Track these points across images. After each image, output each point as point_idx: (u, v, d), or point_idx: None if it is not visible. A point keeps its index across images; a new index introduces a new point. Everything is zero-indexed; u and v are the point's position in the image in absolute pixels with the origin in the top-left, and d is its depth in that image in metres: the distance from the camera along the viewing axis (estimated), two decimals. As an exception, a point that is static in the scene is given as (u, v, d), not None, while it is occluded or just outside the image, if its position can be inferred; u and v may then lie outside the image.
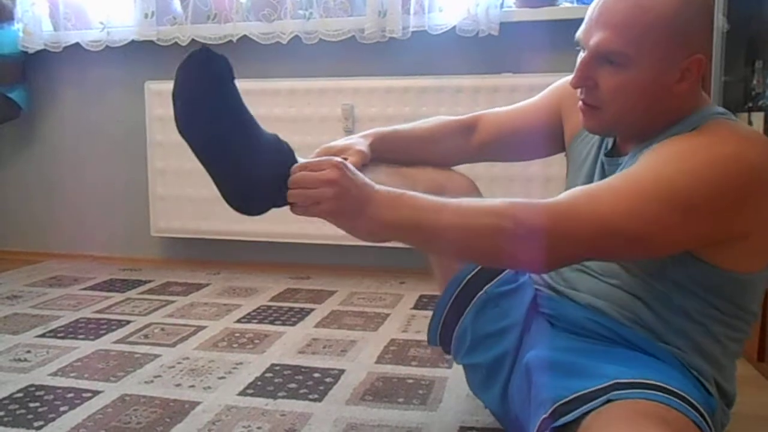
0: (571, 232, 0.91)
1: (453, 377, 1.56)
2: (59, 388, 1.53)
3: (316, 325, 1.98)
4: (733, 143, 0.93)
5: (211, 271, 2.64)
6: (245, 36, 2.53)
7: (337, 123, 2.48)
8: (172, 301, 2.23)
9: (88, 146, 2.85)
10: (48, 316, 2.07)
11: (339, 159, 0.98)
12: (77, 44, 2.69)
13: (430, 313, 1.30)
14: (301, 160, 1.04)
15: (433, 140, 1.30)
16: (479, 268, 1.22)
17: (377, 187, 0.97)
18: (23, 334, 1.91)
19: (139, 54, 2.67)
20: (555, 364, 1.01)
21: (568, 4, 2.36)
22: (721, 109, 1.02)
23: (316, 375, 1.60)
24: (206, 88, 0.96)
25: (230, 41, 2.54)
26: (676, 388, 0.92)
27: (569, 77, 1.05)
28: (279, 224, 2.43)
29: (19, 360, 1.71)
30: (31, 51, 2.73)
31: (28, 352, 1.77)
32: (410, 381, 1.56)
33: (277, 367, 1.65)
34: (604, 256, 1.01)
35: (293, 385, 1.54)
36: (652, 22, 0.95)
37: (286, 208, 1.00)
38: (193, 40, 2.56)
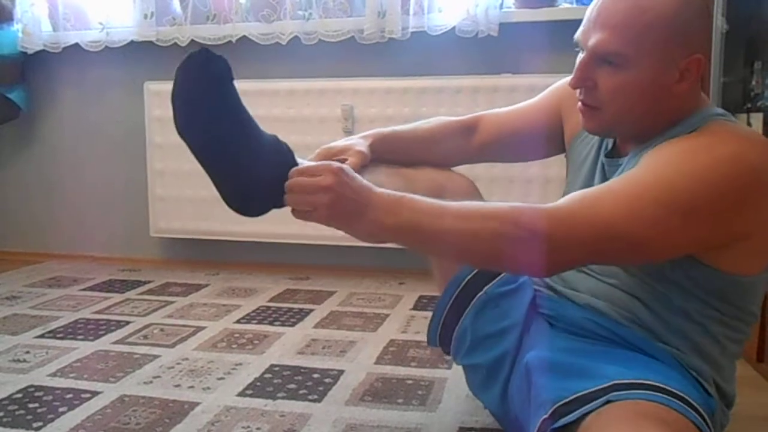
0: (571, 237, 0.91)
1: (452, 378, 1.56)
2: (58, 388, 1.53)
3: (316, 326, 1.98)
4: (733, 144, 0.93)
5: (211, 271, 2.64)
6: (244, 36, 2.53)
7: (336, 123, 2.48)
8: (172, 302, 2.23)
9: (88, 147, 2.85)
10: (47, 317, 2.07)
11: (337, 164, 0.98)
12: (76, 45, 2.69)
13: (429, 313, 1.30)
14: (300, 160, 1.04)
15: (434, 141, 1.30)
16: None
17: (377, 190, 0.97)
18: (22, 335, 1.91)
19: (138, 54, 2.67)
20: (555, 364, 1.01)
21: (567, 5, 2.36)
22: (721, 111, 1.02)
23: (316, 375, 1.60)
24: (205, 88, 0.96)
25: (229, 42, 2.54)
26: (675, 389, 0.92)
27: (569, 78, 1.05)
28: (278, 225, 2.42)
29: (19, 361, 1.71)
30: (30, 51, 2.73)
31: (27, 352, 1.77)
32: (409, 382, 1.56)
33: (277, 368, 1.65)
34: (604, 261, 1.00)
35: (292, 386, 1.54)
36: (651, 23, 0.95)
37: (286, 208, 1.00)
38: (192, 40, 2.56)
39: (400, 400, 1.46)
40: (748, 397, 1.29)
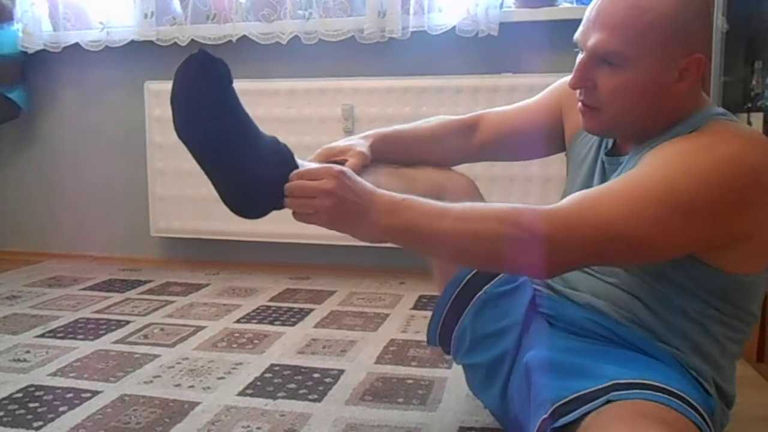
0: (571, 238, 0.91)
1: (452, 377, 1.56)
2: (59, 388, 1.53)
3: (316, 326, 1.98)
4: (734, 144, 0.93)
5: (211, 271, 2.64)
6: (245, 36, 2.53)
7: (336, 123, 2.48)
8: (172, 302, 2.23)
9: (88, 146, 2.85)
10: (47, 317, 2.07)
11: (338, 167, 0.98)
12: (77, 44, 2.69)
13: (429, 313, 1.30)
14: (300, 162, 1.04)
15: (434, 140, 1.30)
16: (478, 268, 1.22)
17: (377, 192, 0.97)
18: (23, 335, 1.91)
19: (138, 54, 2.67)
20: (554, 364, 1.01)
21: (567, 5, 2.36)
22: (721, 110, 1.02)
23: (316, 375, 1.60)
24: (205, 89, 0.96)
25: (230, 41, 2.54)
26: (675, 389, 0.92)
27: (569, 76, 1.05)
28: (278, 224, 2.41)
29: (19, 360, 1.71)
30: (30, 51, 2.73)
31: (28, 352, 1.77)
32: (410, 381, 1.56)
33: (277, 368, 1.65)
34: (605, 261, 1.00)
35: (293, 386, 1.54)
36: (651, 22, 0.95)
37: (286, 209, 1.00)
38: (192, 40, 2.56)
39: (400, 400, 1.46)
40: (748, 397, 1.29)
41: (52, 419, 1.38)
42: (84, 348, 1.79)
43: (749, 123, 1.76)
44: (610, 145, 1.12)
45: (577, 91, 1.04)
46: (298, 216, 0.98)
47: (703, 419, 0.91)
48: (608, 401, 0.89)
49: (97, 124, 2.82)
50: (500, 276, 1.21)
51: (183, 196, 2.62)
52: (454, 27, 2.36)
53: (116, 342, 1.85)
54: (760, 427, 1.38)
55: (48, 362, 1.69)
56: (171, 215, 2.67)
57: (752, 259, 0.98)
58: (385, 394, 1.49)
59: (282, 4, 2.50)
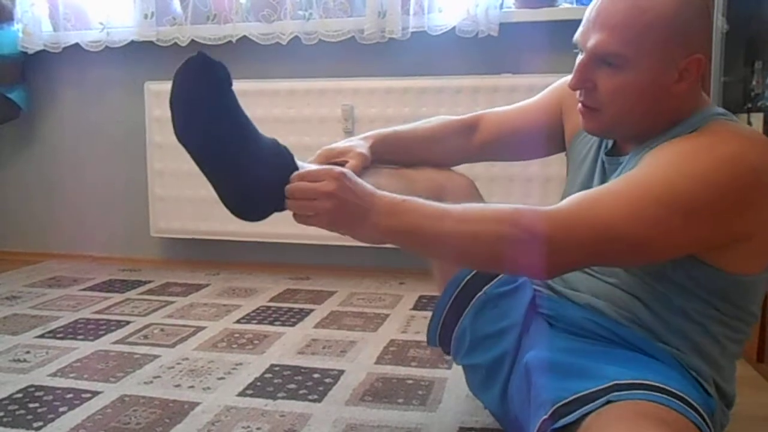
0: (571, 239, 0.91)
1: (452, 378, 1.56)
2: (58, 388, 1.53)
3: (316, 326, 1.98)
4: (734, 144, 0.93)
5: (211, 271, 2.64)
6: (245, 36, 2.53)
7: (336, 124, 2.48)
8: (172, 302, 2.23)
9: (88, 147, 2.85)
10: (47, 317, 2.07)
11: (339, 169, 0.98)
12: (77, 45, 2.69)
13: (429, 313, 1.30)
14: (300, 164, 1.04)
15: (435, 140, 1.30)
16: (478, 269, 1.22)
17: (378, 194, 0.97)
18: (23, 335, 1.91)
19: (138, 54, 2.67)
20: (554, 364, 1.01)
21: (567, 5, 2.36)
22: (721, 110, 1.02)
23: (316, 375, 1.60)
24: (204, 92, 0.96)
25: (230, 42, 2.54)
26: (675, 389, 0.92)
27: (569, 76, 1.05)
28: (278, 225, 2.42)
29: (19, 360, 1.71)
30: (30, 51, 2.73)
31: (28, 352, 1.77)
32: (410, 382, 1.56)
33: (277, 368, 1.65)
34: (605, 262, 1.00)
35: (293, 386, 1.54)
36: (651, 23, 0.95)
37: (287, 211, 1.00)
38: (192, 40, 2.56)
39: (400, 400, 1.46)
40: (748, 397, 1.29)
41: (52, 419, 1.38)
42: (84, 348, 1.79)
43: (749, 123, 1.76)
44: (610, 145, 1.12)
45: (577, 92, 1.04)
46: (299, 218, 0.98)
47: (703, 419, 0.91)
48: (608, 401, 0.89)
49: (97, 125, 2.82)
50: (500, 276, 1.21)
51: (183, 196, 2.62)
52: (454, 27, 2.36)
53: (116, 342, 1.84)
54: (760, 427, 1.38)
55: (48, 363, 1.69)
56: (171, 215, 2.67)
57: (752, 259, 0.98)
58: (385, 395, 1.49)
59: (282, 5, 2.50)
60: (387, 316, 2.07)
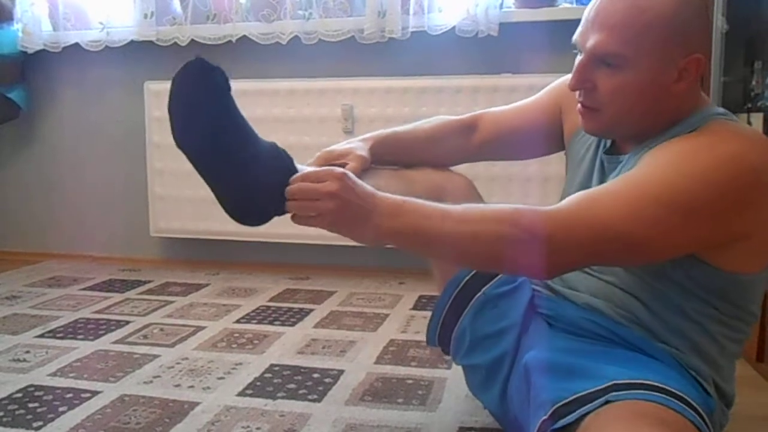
0: (570, 239, 0.91)
1: (452, 378, 1.56)
2: (58, 388, 1.53)
3: (316, 326, 1.98)
4: (734, 144, 0.93)
5: (211, 271, 2.64)
6: (245, 36, 2.53)
7: (336, 123, 2.48)
8: (172, 302, 2.23)
9: (88, 146, 2.85)
10: (47, 317, 2.07)
11: (340, 169, 0.98)
12: (77, 44, 2.69)
13: (429, 313, 1.30)
14: (299, 166, 1.04)
15: (434, 140, 1.30)
16: (478, 269, 1.22)
17: (379, 195, 0.97)
18: (22, 335, 1.91)
19: (138, 54, 2.67)
20: (554, 365, 1.01)
21: (567, 5, 2.36)
22: (721, 110, 1.02)
23: (316, 375, 1.60)
24: (203, 96, 0.96)
25: (230, 41, 2.54)
26: (674, 389, 0.92)
27: (568, 76, 1.05)
28: (278, 225, 2.42)
29: (19, 360, 1.71)
30: (30, 51, 2.73)
31: (27, 352, 1.77)
32: (409, 381, 1.56)
33: (277, 368, 1.65)
34: (605, 261, 1.00)
35: (292, 386, 1.54)
36: (650, 23, 0.95)
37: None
38: (192, 40, 2.56)
39: (400, 400, 1.46)
40: (748, 397, 1.29)
41: (52, 419, 1.38)
42: (84, 348, 1.79)
43: (749, 123, 1.76)
44: (609, 144, 1.12)
45: (577, 93, 1.04)
46: (300, 219, 0.98)
47: (702, 419, 0.91)
48: (607, 401, 0.89)
49: (96, 124, 2.82)
50: (499, 277, 1.21)
51: (183, 196, 2.62)
52: (453, 27, 2.36)
53: (116, 342, 1.85)
54: (759, 427, 1.38)
55: (48, 362, 1.69)
56: (171, 215, 2.67)
57: (752, 258, 0.98)
58: (384, 395, 1.49)
59: (282, 5, 2.50)
60: (387, 315, 2.07)
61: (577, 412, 0.90)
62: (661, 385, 0.91)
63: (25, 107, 2.82)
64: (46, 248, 2.92)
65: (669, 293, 1.00)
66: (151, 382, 1.57)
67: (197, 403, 1.45)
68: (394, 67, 2.47)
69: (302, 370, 1.64)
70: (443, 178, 1.27)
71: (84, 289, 2.42)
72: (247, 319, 2.05)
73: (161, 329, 1.95)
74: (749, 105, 1.79)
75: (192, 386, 1.54)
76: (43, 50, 2.73)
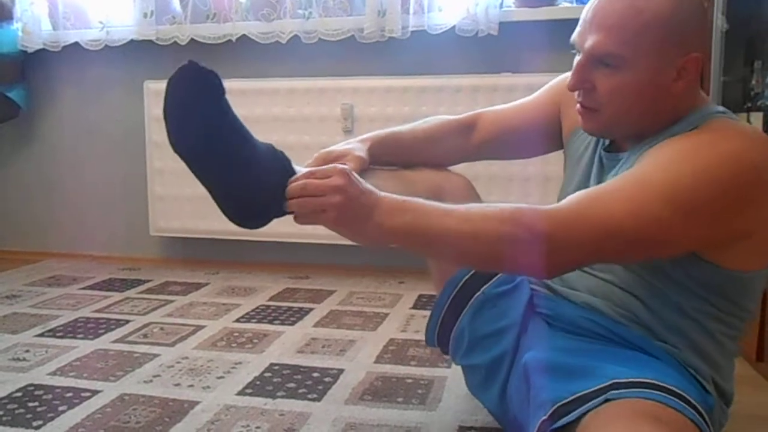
0: (572, 237, 0.91)
1: (452, 377, 1.57)
2: (58, 387, 1.53)
3: (315, 325, 1.98)
4: (735, 142, 0.93)
5: (210, 270, 2.64)
6: (244, 35, 2.53)
7: (336, 123, 2.48)
8: (171, 301, 2.23)
9: (88, 146, 2.85)
10: (47, 316, 2.07)
11: (343, 166, 0.98)
12: (76, 43, 2.69)
13: (429, 312, 1.30)
14: (297, 167, 1.04)
15: (433, 140, 1.30)
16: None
17: (381, 193, 0.97)
18: (22, 334, 1.91)
19: (138, 53, 2.67)
20: (553, 365, 1.01)
21: (567, 4, 2.36)
22: (721, 108, 1.02)
23: (315, 374, 1.60)
24: (198, 98, 0.96)
25: (229, 41, 2.54)
26: (673, 387, 0.92)
27: (567, 74, 1.05)
28: (278, 224, 2.42)
29: (18, 359, 1.71)
30: (30, 50, 2.73)
31: (27, 351, 1.77)
32: (409, 380, 1.56)
33: (276, 367, 1.65)
34: (606, 259, 1.00)
35: (292, 385, 1.54)
36: (648, 23, 0.95)
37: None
38: (192, 39, 2.56)
39: (399, 399, 1.46)
40: (748, 397, 1.30)
41: (52, 418, 1.38)
42: (83, 347, 1.79)
43: (749, 122, 1.76)
44: (607, 142, 1.12)
45: (576, 93, 1.04)
46: (303, 218, 0.97)
47: (702, 417, 0.91)
48: (606, 400, 0.89)
49: (96, 124, 2.82)
50: (498, 276, 1.21)
51: (182, 195, 2.62)
52: (453, 26, 2.36)
53: (116, 341, 1.85)
54: (759, 427, 1.38)
55: (47, 361, 1.69)
56: (170, 214, 2.67)
57: (752, 256, 0.98)
58: (384, 394, 1.49)
59: (282, 4, 2.49)
60: (386, 315, 2.07)
61: (577, 411, 0.91)
62: (660, 384, 0.91)
63: (25, 106, 2.82)
64: (46, 247, 2.92)
65: (668, 291, 1.00)
66: (151, 381, 1.57)
67: (197, 402, 1.45)
68: (394, 67, 2.47)
69: (302, 369, 1.64)
70: (442, 178, 1.27)
71: (84, 288, 2.42)
72: (247, 318, 2.05)
73: (161, 328, 1.95)
74: (749, 104, 1.79)
75: (192, 385, 1.54)
76: (43, 49, 2.73)
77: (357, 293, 2.31)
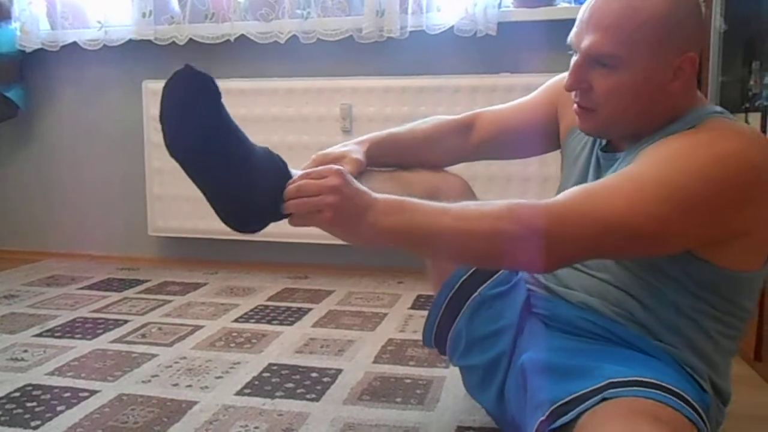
0: (569, 232, 0.91)
1: (450, 377, 1.57)
2: (56, 387, 1.53)
3: (314, 325, 1.98)
4: (734, 141, 0.93)
5: (209, 270, 2.64)
6: (243, 35, 2.52)
7: (335, 123, 2.48)
8: (170, 301, 2.23)
9: (86, 145, 2.84)
10: (45, 316, 2.07)
11: (338, 166, 0.98)
12: (75, 43, 2.69)
13: (427, 312, 1.30)
14: (294, 171, 1.04)
15: (432, 141, 1.30)
16: (473, 269, 1.22)
17: (375, 194, 0.97)
18: (20, 334, 1.91)
19: (136, 53, 2.67)
20: (550, 365, 1.01)
21: (565, 4, 2.36)
22: (719, 108, 1.03)
23: (314, 375, 1.60)
24: (194, 102, 0.96)
25: (228, 41, 2.54)
26: (670, 385, 0.92)
27: (564, 74, 1.05)
28: (277, 224, 2.42)
29: (16, 359, 1.71)
30: (28, 50, 2.73)
31: (25, 351, 1.77)
32: (408, 381, 1.57)
33: (275, 367, 1.65)
34: (603, 255, 1.01)
35: (291, 385, 1.54)
36: (644, 22, 0.95)
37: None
38: (190, 39, 2.56)
39: (398, 399, 1.46)
40: (746, 396, 1.30)
41: (50, 418, 1.38)
42: (82, 347, 1.79)
43: (747, 123, 1.76)
44: (605, 141, 1.12)
45: (573, 93, 1.04)
46: (298, 219, 0.97)
47: (699, 415, 0.91)
48: (604, 399, 0.90)
49: (95, 123, 2.82)
50: (495, 277, 1.21)
51: (181, 195, 2.61)
52: (452, 26, 2.36)
53: (114, 341, 1.84)
54: (757, 426, 1.38)
55: (46, 361, 1.69)
56: (169, 214, 2.67)
57: (749, 255, 0.98)
58: (383, 394, 1.49)
59: (280, 4, 2.49)
60: (385, 315, 2.07)
61: (574, 411, 0.91)
62: (657, 382, 0.92)
63: (24, 106, 2.81)
64: (45, 247, 2.92)
65: (664, 290, 1.00)
66: (149, 381, 1.57)
67: (195, 403, 1.45)
68: (393, 67, 2.47)
69: (300, 369, 1.64)
70: (439, 179, 1.27)
71: (82, 288, 2.41)
72: (246, 318, 2.05)
73: (159, 328, 1.95)
74: (747, 105, 1.80)
75: (190, 385, 1.54)
76: (41, 49, 2.72)
77: (356, 293, 2.31)
